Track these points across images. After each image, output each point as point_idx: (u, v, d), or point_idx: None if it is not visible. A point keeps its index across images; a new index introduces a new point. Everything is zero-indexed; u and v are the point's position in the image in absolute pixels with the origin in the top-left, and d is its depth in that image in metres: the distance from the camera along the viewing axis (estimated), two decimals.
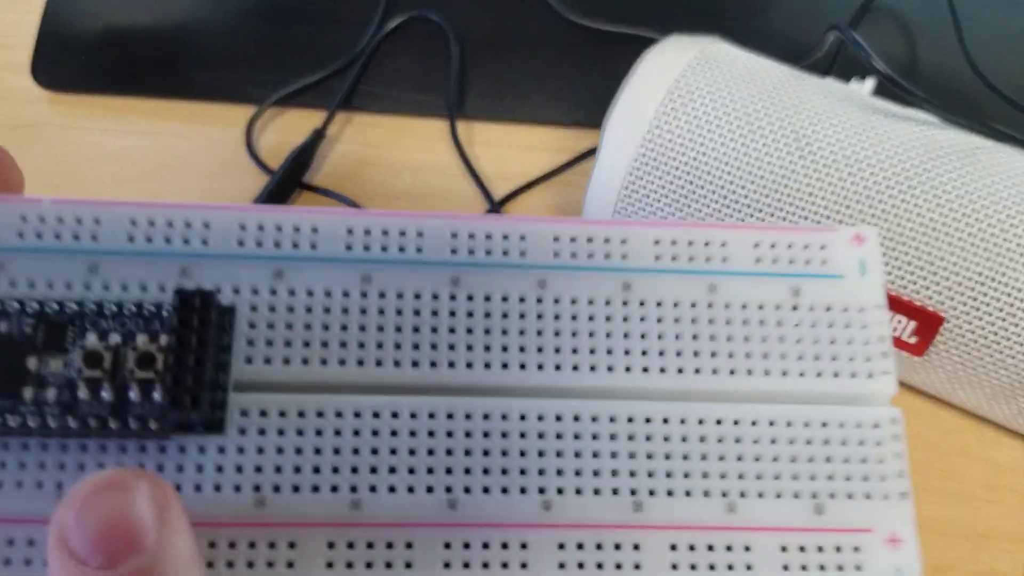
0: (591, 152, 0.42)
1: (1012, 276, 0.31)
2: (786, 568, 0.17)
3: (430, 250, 0.18)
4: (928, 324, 0.32)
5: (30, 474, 0.16)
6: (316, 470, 0.17)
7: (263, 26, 0.47)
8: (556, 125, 0.44)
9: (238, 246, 0.18)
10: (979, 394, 0.34)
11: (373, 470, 0.17)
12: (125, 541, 0.13)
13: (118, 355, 0.16)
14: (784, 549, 0.17)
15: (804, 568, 0.17)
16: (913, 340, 0.33)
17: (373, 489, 0.17)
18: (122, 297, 0.17)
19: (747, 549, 0.17)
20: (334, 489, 0.17)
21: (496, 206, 0.42)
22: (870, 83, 0.37)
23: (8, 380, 0.16)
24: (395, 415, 0.17)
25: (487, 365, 0.18)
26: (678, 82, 0.35)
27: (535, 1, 0.46)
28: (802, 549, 0.17)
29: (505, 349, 0.18)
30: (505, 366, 0.18)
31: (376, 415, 0.17)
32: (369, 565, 0.16)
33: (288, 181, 0.42)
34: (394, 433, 0.17)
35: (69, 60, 0.46)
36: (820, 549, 0.17)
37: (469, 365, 0.18)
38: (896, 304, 0.33)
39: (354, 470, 0.17)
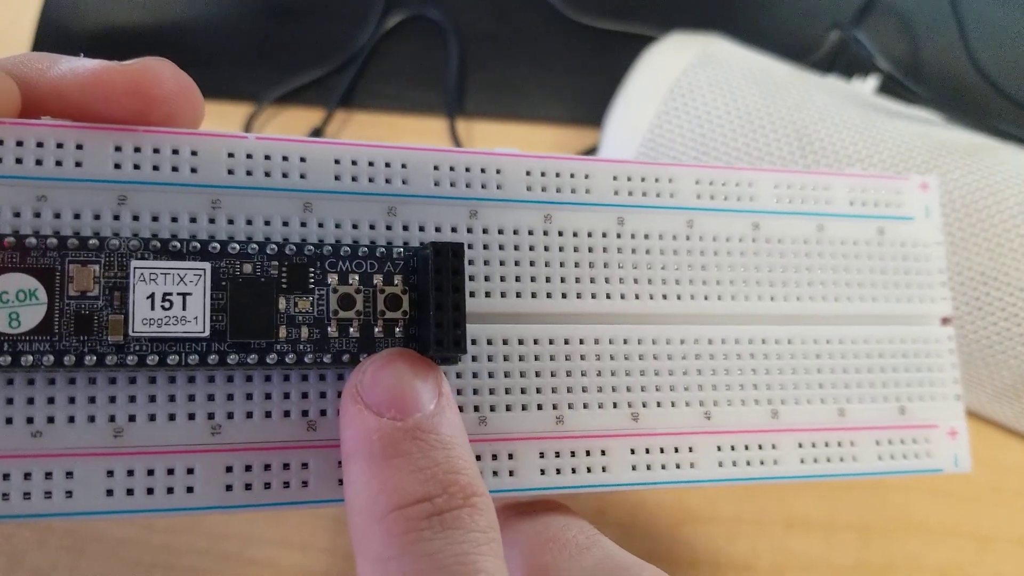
0: (592, 151, 0.41)
1: (1015, 276, 0.31)
2: (880, 458, 0.21)
3: (597, 192, 0.20)
4: None
5: (276, 405, 0.17)
6: (523, 391, 0.19)
7: (261, 24, 0.46)
8: (556, 123, 0.44)
9: (434, 186, 0.19)
10: (982, 395, 0.33)
11: (569, 389, 0.19)
12: (412, 401, 0.16)
13: (367, 296, 0.17)
14: (878, 443, 0.22)
15: (892, 457, 0.22)
16: None
17: (571, 406, 0.19)
18: (339, 237, 0.18)
19: (852, 444, 0.21)
20: (539, 407, 0.19)
21: None
22: (872, 81, 0.37)
23: (262, 320, 0.17)
24: (581, 341, 0.20)
25: (651, 296, 0.20)
26: (679, 80, 0.34)
27: None
28: (890, 442, 0.22)
29: (664, 282, 0.20)
30: (665, 297, 0.20)
31: (566, 341, 0.19)
32: (573, 470, 0.19)
33: None
34: (583, 357, 0.19)
35: None
36: (902, 441, 0.22)
37: (637, 296, 0.20)
38: None
39: (554, 390, 0.19)
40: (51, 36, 0.44)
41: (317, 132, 0.42)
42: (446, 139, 0.43)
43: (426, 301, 0.17)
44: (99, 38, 0.45)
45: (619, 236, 0.20)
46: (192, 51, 0.45)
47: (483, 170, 0.19)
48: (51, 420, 0.16)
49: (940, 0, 0.44)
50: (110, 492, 0.16)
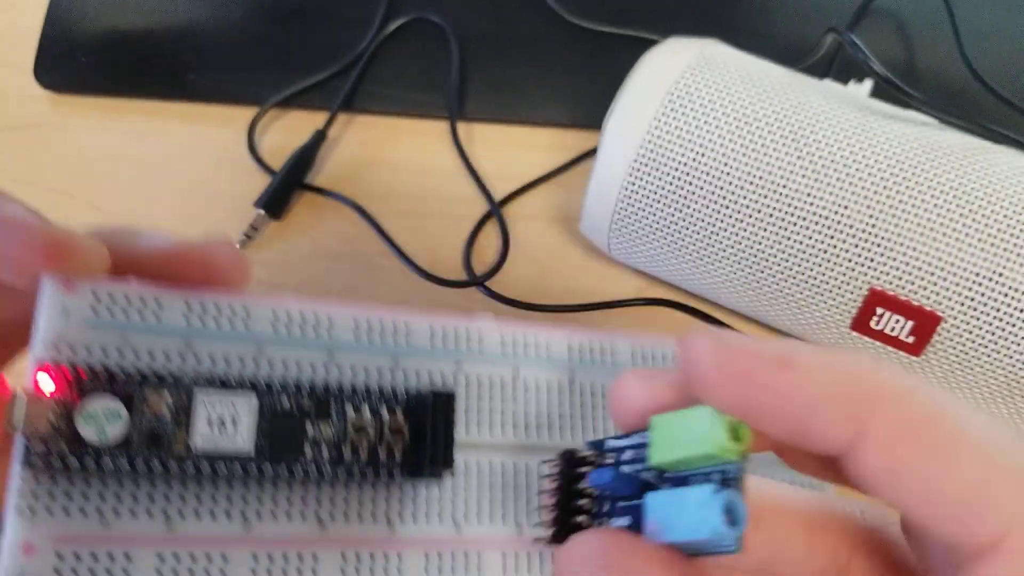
0: (591, 152, 0.42)
1: (1009, 276, 0.31)
2: None
3: (556, 355, 0.26)
4: (925, 324, 0.33)
5: (297, 508, 0.22)
6: (491, 503, 0.24)
7: (265, 28, 0.47)
8: (556, 126, 0.45)
9: (430, 345, 0.24)
10: (976, 394, 0.34)
11: (528, 502, 0.24)
12: None
13: (375, 425, 0.22)
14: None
15: None
16: (910, 340, 0.33)
17: (528, 515, 0.24)
18: (354, 380, 0.23)
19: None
20: (504, 517, 0.24)
21: (496, 207, 0.43)
22: (868, 85, 0.37)
23: (293, 441, 0.21)
24: (527, 467, 0.24)
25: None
26: (678, 83, 0.35)
27: (535, 3, 0.47)
28: None
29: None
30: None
31: (527, 467, 0.24)
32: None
33: (290, 182, 0.43)
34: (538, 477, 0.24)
35: (71, 61, 0.46)
36: None
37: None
38: (893, 304, 0.33)
39: (515, 502, 0.24)
40: (55, 39, 0.45)
41: (320, 134, 0.44)
42: (447, 141, 0.44)
43: (423, 431, 0.22)
44: (103, 41, 0.46)
45: (571, 389, 0.25)
46: (196, 54, 0.45)
47: (467, 334, 0.25)
48: (117, 513, 0.20)
49: (935, 4, 0.45)
50: (160, 573, 0.20)
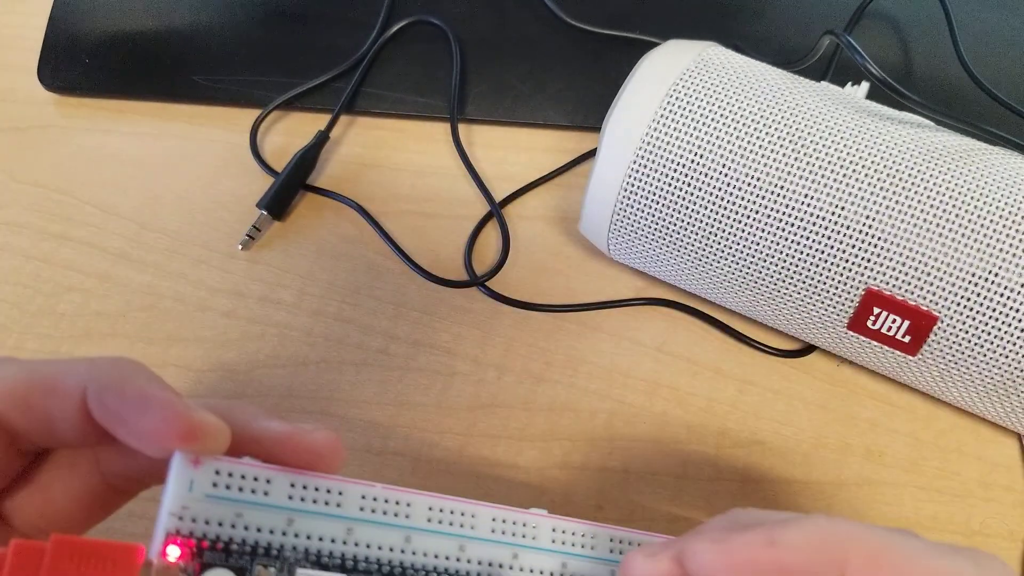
0: (591, 154, 0.43)
1: (1004, 276, 0.32)
2: None
3: (599, 551, 0.26)
4: (921, 324, 0.33)
5: None
6: None
7: (267, 30, 0.47)
8: (556, 127, 0.45)
9: (490, 533, 0.25)
10: (972, 393, 0.34)
11: None
12: None
13: None
14: None
15: None
16: (907, 339, 0.34)
17: None
18: (424, 563, 0.24)
19: None
20: None
21: (496, 207, 0.44)
22: (865, 87, 0.37)
23: None
24: None
25: None
26: (676, 85, 0.35)
27: (535, 5, 0.47)
28: None
29: None
30: None
31: None
32: None
33: (292, 183, 0.44)
34: None
35: (74, 63, 0.46)
36: None
37: None
38: (890, 304, 0.33)
39: None
40: (59, 41, 0.46)
41: (323, 135, 0.44)
42: (448, 142, 0.45)
43: None
44: (106, 43, 0.46)
45: None
46: (199, 57, 0.46)
47: (524, 524, 0.26)
48: None
49: (932, 6, 0.45)
50: None
